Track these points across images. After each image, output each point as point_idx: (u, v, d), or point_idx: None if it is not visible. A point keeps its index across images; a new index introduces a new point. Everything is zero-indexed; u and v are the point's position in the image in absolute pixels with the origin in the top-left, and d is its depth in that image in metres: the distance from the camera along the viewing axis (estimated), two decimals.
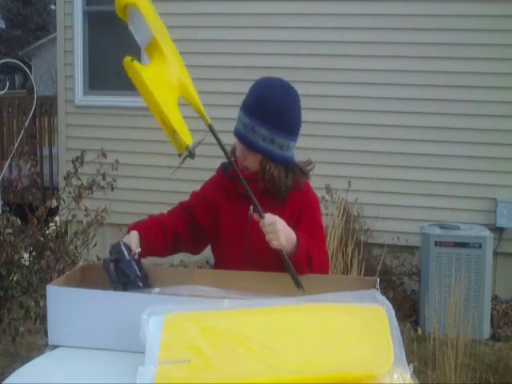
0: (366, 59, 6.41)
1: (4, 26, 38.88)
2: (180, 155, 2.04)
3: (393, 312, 1.62)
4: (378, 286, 1.94)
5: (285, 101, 2.21)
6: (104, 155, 3.78)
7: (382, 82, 6.39)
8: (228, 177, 2.33)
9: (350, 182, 5.94)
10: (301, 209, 2.30)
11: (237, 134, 2.23)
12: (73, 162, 3.65)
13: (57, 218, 3.66)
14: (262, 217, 2.07)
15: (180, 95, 2.05)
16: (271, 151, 2.20)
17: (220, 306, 1.72)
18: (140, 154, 6.96)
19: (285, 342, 1.57)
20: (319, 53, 6.52)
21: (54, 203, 3.58)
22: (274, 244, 2.06)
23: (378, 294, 1.68)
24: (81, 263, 3.96)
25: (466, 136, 6.25)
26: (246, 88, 2.29)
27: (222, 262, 2.38)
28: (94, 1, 7.27)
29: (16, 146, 6.47)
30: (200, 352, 1.55)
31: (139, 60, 1.96)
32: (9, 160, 5.89)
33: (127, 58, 1.92)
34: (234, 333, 1.59)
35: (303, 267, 2.11)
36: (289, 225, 2.13)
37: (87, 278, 2.07)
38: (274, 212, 2.12)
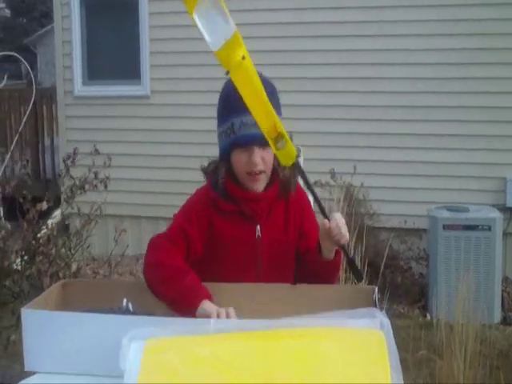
0: (372, 39, 6.28)
1: (9, 15, 38.79)
2: (284, 167, 1.97)
3: (391, 333, 1.53)
4: (375, 295, 1.85)
5: (268, 85, 2.03)
6: (97, 151, 3.67)
7: (389, 61, 6.26)
8: (224, 198, 2.08)
9: (355, 167, 5.83)
10: (300, 212, 2.18)
11: (251, 138, 1.98)
12: (64, 161, 3.55)
13: (49, 221, 3.58)
14: (327, 217, 1.94)
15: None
16: None
17: (205, 328, 1.62)
18: (143, 143, 6.87)
19: (275, 371, 1.48)
20: (323, 34, 6.38)
21: (45, 206, 3.49)
22: (347, 237, 1.96)
23: (376, 311, 1.59)
24: (74, 265, 3.93)
25: (473, 114, 6.12)
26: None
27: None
28: None
29: (15, 138, 6.40)
30: (181, 381, 1.47)
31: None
32: (8, 155, 5.82)
33: (236, 59, 1.70)
34: (218, 360, 1.50)
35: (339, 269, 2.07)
36: (294, 231, 2.05)
37: (68, 296, 1.98)
38: (279, 225, 2.06)
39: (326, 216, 1.94)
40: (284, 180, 2.11)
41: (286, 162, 1.85)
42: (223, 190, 2.07)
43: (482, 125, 6.10)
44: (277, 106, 1.98)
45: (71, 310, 1.86)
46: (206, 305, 1.81)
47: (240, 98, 1.87)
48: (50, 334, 1.71)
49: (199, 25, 1.71)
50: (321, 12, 6.37)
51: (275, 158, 2.01)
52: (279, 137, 1.79)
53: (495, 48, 5.99)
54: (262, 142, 1.93)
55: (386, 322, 1.57)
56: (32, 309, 1.76)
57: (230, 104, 2.01)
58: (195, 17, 1.71)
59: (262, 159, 2.02)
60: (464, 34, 6.06)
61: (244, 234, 2.07)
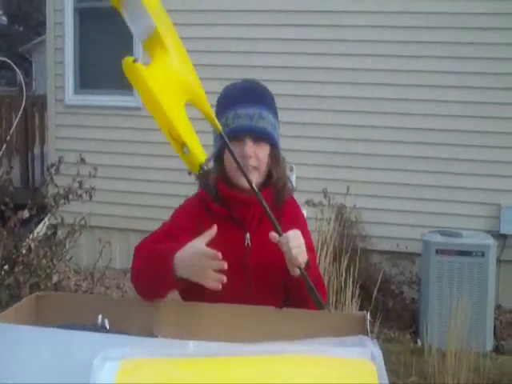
0: (363, 58, 6.21)
1: (5, 23, 38.81)
2: (190, 173, 1.79)
3: (383, 365, 1.39)
4: (367, 322, 1.72)
5: (267, 89, 2.09)
6: (83, 160, 3.55)
7: (378, 82, 6.19)
8: (214, 199, 1.99)
9: (348, 187, 5.75)
10: (292, 222, 2.02)
11: (244, 129, 1.95)
12: (47, 169, 3.43)
13: (35, 231, 3.45)
14: (280, 234, 1.81)
15: (188, 99, 1.75)
16: (277, 138, 2.04)
17: (184, 350, 1.49)
18: (133, 155, 6.76)
19: None
20: (317, 52, 6.30)
21: (26, 214, 3.37)
22: (300, 260, 1.80)
23: (367, 340, 1.46)
24: (55, 277, 3.82)
25: (468, 139, 6.04)
26: None
27: (206, 301, 1.94)
28: None
29: (3, 147, 6.28)
30: None
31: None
32: None
33: (128, 59, 1.61)
34: None
35: (318, 285, 1.90)
36: None
37: (41, 310, 1.85)
38: (268, 232, 1.89)
39: (277, 230, 1.82)
40: (278, 185, 2.04)
41: (190, 166, 1.72)
42: (214, 193, 1.99)
43: (478, 149, 6.02)
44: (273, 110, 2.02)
45: (44, 325, 1.75)
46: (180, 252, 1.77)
47: (238, 95, 1.96)
48: (17, 348, 1.58)
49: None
50: (322, 30, 6.30)
51: (270, 157, 2.00)
52: (183, 144, 1.68)
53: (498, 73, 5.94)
54: (257, 136, 1.95)
55: (378, 352, 1.43)
56: (1, 322, 1.64)
57: (227, 100, 2.01)
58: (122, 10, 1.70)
59: (255, 154, 1.97)
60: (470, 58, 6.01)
61: (233, 241, 1.96)
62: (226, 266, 1.73)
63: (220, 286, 1.76)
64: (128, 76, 1.64)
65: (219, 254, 1.72)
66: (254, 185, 1.85)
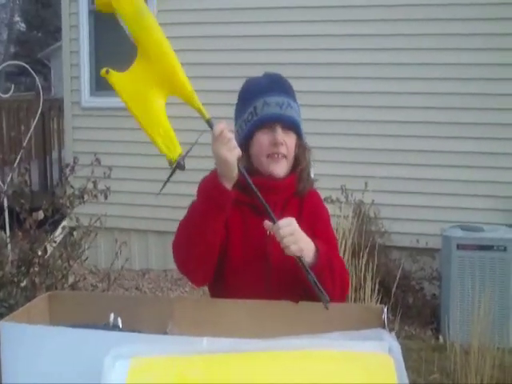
0: (379, 53, 6.17)
1: (24, 29, 39.10)
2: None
3: (401, 359, 1.36)
4: (384, 315, 1.69)
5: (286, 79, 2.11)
6: (97, 160, 3.55)
7: (401, 76, 6.13)
8: (239, 187, 1.90)
9: (366, 183, 5.69)
10: (314, 212, 2.07)
11: (275, 117, 1.98)
12: (62, 169, 3.42)
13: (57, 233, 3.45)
14: (274, 221, 1.80)
15: (170, 94, 1.87)
16: (302, 128, 2.06)
17: (197, 347, 1.46)
18: (150, 156, 6.74)
19: None
20: (332, 47, 6.27)
21: (41, 215, 3.36)
22: (293, 249, 1.78)
23: (385, 333, 1.42)
24: (71, 278, 3.81)
25: (488, 132, 5.97)
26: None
27: (227, 291, 1.96)
28: None
29: (21, 151, 6.31)
30: None
31: None
32: (15, 165, 5.73)
33: (102, 71, 1.82)
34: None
35: (325, 279, 1.83)
36: (306, 231, 1.88)
37: (54, 309, 1.84)
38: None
39: (272, 219, 1.81)
40: (302, 175, 2.05)
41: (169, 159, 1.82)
42: (238, 180, 1.90)
43: (498, 142, 5.95)
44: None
45: (56, 324, 1.74)
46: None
47: (266, 84, 2.01)
48: (29, 348, 1.56)
49: None
50: (347, 24, 6.27)
51: (297, 147, 2.03)
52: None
53: None
54: (286, 124, 1.99)
55: (396, 345, 1.40)
56: (11, 322, 1.62)
57: (254, 90, 2.04)
58: None
59: (285, 143, 2.00)
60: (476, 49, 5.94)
61: (255, 229, 1.94)
62: (229, 136, 1.79)
63: (237, 152, 1.80)
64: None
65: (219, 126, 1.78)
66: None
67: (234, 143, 1.79)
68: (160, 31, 1.87)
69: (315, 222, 2.04)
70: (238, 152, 1.79)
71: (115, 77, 1.83)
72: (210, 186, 1.84)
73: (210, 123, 1.83)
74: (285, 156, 2.00)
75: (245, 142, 1.99)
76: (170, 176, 1.80)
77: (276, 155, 1.99)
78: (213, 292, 2.08)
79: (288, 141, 2.00)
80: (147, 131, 1.84)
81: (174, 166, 1.78)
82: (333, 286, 1.86)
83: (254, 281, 1.94)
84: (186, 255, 1.90)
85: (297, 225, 1.82)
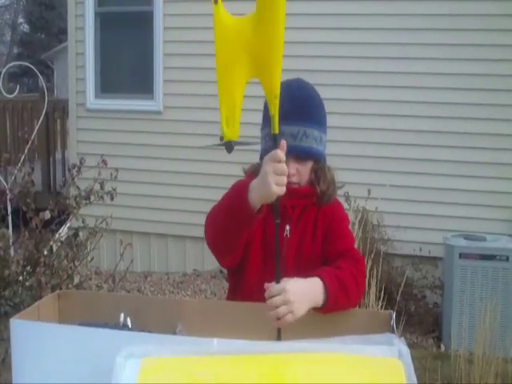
0: (383, 61, 6.19)
1: (28, 30, 39.16)
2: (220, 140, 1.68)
3: (411, 363, 1.35)
4: (393, 320, 1.69)
5: (317, 95, 2.05)
6: (104, 163, 3.55)
7: (405, 84, 6.14)
8: None
9: (369, 190, 5.69)
10: (330, 220, 2.06)
11: (287, 149, 1.80)
12: (69, 170, 3.43)
13: (57, 233, 3.45)
14: (278, 278, 1.71)
15: (253, 75, 1.65)
16: (322, 152, 2.04)
17: (208, 348, 1.46)
18: (154, 159, 6.76)
19: None
20: (332, 55, 6.30)
21: (48, 215, 3.36)
22: (288, 319, 1.66)
23: (394, 338, 1.42)
24: (77, 278, 3.81)
25: (491, 142, 5.98)
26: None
27: (240, 290, 2.01)
28: (105, 2, 7.06)
29: (26, 150, 6.31)
30: None
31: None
32: (19, 165, 5.72)
33: None
34: None
35: (342, 304, 1.81)
36: (321, 238, 1.92)
37: (63, 308, 1.84)
38: (308, 230, 1.93)
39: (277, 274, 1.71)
40: (322, 194, 2.04)
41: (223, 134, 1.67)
42: None
43: (502, 153, 5.96)
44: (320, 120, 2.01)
45: (65, 323, 1.74)
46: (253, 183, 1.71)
47: (288, 109, 1.80)
48: (39, 346, 1.56)
49: None
50: (351, 32, 6.29)
51: (314, 171, 2.01)
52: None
53: None
54: (300, 156, 1.95)
55: (405, 350, 1.39)
56: (22, 319, 1.62)
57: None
58: None
59: (297, 171, 1.98)
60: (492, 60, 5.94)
61: (272, 231, 1.86)
62: (285, 168, 1.66)
63: (284, 190, 1.67)
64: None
65: (281, 153, 1.65)
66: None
67: (285, 180, 1.66)
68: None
69: (331, 222, 2.05)
70: (283, 191, 1.66)
71: (222, 14, 1.60)
72: (238, 204, 1.75)
73: (275, 137, 1.71)
74: (296, 183, 1.99)
75: (265, 153, 1.93)
76: (216, 145, 1.70)
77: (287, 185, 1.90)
78: (232, 290, 2.09)
79: (302, 169, 1.99)
80: (218, 90, 1.63)
81: (223, 143, 1.67)
82: (349, 302, 1.83)
83: (270, 281, 1.93)
84: (213, 241, 1.89)
85: (292, 288, 1.69)
